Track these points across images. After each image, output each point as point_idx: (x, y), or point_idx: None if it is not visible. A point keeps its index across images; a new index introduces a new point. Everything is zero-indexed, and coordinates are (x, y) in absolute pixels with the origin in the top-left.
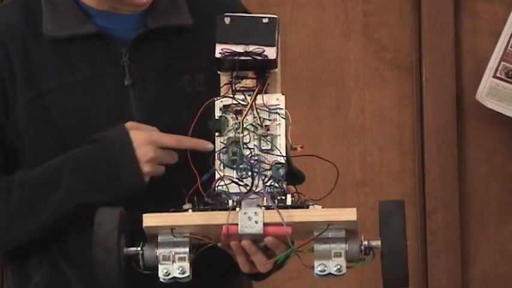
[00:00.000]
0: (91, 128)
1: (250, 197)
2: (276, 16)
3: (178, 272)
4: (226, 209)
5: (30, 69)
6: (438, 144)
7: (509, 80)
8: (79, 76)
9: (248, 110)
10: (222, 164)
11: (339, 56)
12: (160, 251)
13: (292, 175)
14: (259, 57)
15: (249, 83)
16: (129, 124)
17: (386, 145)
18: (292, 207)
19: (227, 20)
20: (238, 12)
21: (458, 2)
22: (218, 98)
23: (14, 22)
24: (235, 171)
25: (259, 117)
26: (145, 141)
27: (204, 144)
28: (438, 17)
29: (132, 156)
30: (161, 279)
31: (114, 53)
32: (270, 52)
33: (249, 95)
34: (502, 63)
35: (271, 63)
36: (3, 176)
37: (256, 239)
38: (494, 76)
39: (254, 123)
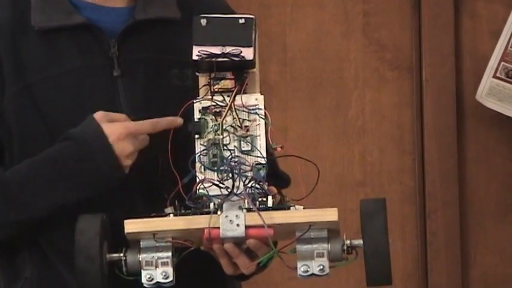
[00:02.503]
0: (80, 119)
1: (232, 199)
2: (252, 16)
3: (162, 277)
4: (208, 213)
5: (18, 62)
6: (438, 144)
7: (509, 80)
8: (68, 67)
9: (227, 111)
10: (202, 167)
11: (339, 56)
12: (143, 256)
13: (278, 178)
14: (236, 59)
15: (227, 84)
16: (99, 116)
17: (387, 145)
18: (273, 208)
19: (203, 22)
20: (224, 11)
21: (458, 2)
22: (197, 100)
23: (2, 15)
24: (216, 174)
25: (239, 118)
26: (122, 134)
27: (175, 120)
28: (438, 17)
29: (111, 153)
30: (145, 285)
31: (102, 44)
32: (247, 53)
33: (228, 96)
34: (502, 63)
35: (249, 64)
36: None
37: (238, 241)
38: (494, 76)
39: (234, 125)
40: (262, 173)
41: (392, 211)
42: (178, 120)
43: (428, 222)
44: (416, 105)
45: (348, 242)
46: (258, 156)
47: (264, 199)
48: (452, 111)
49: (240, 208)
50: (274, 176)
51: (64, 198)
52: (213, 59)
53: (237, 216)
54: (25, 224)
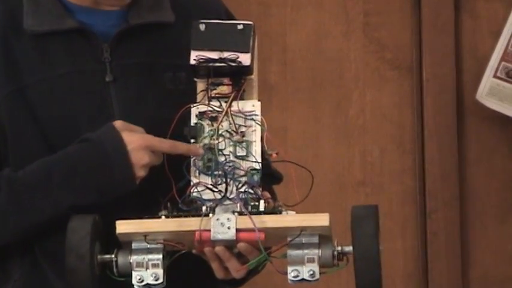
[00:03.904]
0: (71, 124)
1: (225, 203)
2: (251, 23)
3: (152, 278)
4: (200, 215)
5: (11, 64)
6: (438, 144)
7: (509, 79)
8: (60, 71)
9: (223, 117)
10: (197, 171)
11: (339, 56)
12: (134, 258)
13: (271, 175)
14: (233, 64)
15: (224, 89)
16: (119, 124)
17: (387, 145)
18: (265, 212)
19: (202, 27)
20: (220, 13)
21: (458, 2)
22: (194, 105)
23: None
24: (210, 178)
25: (235, 124)
26: (141, 146)
27: (195, 150)
28: (438, 17)
29: (127, 160)
30: (135, 286)
31: (95, 48)
32: (244, 58)
33: (225, 102)
34: (502, 63)
35: (246, 70)
36: None
37: (229, 245)
38: (495, 76)
39: (229, 130)
40: (256, 178)
41: (393, 211)
42: (200, 151)
43: (428, 222)
44: (416, 105)
45: (339, 248)
46: (253, 161)
47: (257, 203)
48: (452, 111)
49: (232, 212)
50: (267, 174)
51: (72, 199)
52: (210, 64)
53: (228, 219)
54: (30, 227)
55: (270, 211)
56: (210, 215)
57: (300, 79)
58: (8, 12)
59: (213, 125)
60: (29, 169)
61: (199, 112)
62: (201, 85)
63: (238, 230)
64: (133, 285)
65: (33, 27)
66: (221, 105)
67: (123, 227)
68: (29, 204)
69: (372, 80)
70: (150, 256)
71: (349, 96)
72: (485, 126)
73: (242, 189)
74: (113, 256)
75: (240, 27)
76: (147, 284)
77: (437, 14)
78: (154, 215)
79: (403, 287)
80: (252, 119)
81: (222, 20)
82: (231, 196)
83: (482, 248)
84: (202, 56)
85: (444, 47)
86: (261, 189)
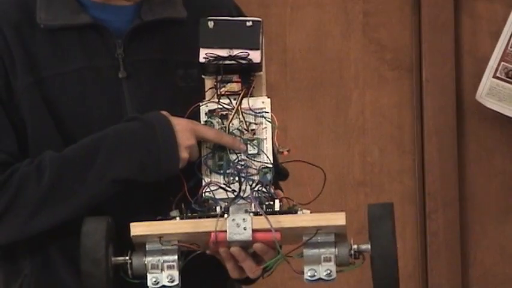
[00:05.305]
0: (85, 119)
1: (238, 202)
2: (260, 19)
3: (167, 280)
4: (214, 216)
5: (27, 56)
6: (438, 144)
7: (509, 80)
8: (73, 66)
9: (234, 115)
10: (208, 170)
11: (339, 56)
12: (149, 260)
13: (277, 172)
14: (243, 61)
15: (234, 86)
16: (165, 112)
17: (387, 145)
18: (280, 212)
19: (211, 24)
20: (231, 10)
21: (458, 2)
22: (203, 103)
23: (8, 10)
24: (222, 177)
25: (245, 122)
26: (188, 127)
27: (239, 145)
28: (438, 17)
29: (173, 140)
30: None
31: (108, 44)
32: (255, 56)
33: (235, 99)
34: (502, 63)
35: (256, 67)
36: (23, 159)
37: (245, 245)
38: (494, 76)
39: (240, 128)
40: (269, 176)
41: None
42: (241, 146)
43: (428, 222)
44: (416, 105)
45: (355, 246)
46: (265, 162)
47: (271, 203)
48: (452, 111)
49: (247, 212)
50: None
51: (116, 172)
52: (220, 62)
53: (244, 219)
54: (81, 205)
55: (285, 211)
56: (225, 215)
57: (300, 79)
58: (22, 6)
59: (223, 123)
60: (75, 145)
61: (209, 110)
62: (209, 82)
63: (254, 231)
64: (147, 287)
65: (46, 21)
66: (231, 102)
67: (138, 229)
68: (73, 177)
69: (371, 80)
70: (165, 258)
71: (349, 96)
72: (484, 127)
73: (256, 189)
74: (127, 258)
75: (249, 24)
76: (163, 285)
77: (437, 14)
78: (165, 215)
79: (403, 287)
80: (263, 116)
81: (233, 16)
82: (245, 195)
83: (482, 248)
84: (212, 53)
85: (444, 47)
86: (273, 187)
